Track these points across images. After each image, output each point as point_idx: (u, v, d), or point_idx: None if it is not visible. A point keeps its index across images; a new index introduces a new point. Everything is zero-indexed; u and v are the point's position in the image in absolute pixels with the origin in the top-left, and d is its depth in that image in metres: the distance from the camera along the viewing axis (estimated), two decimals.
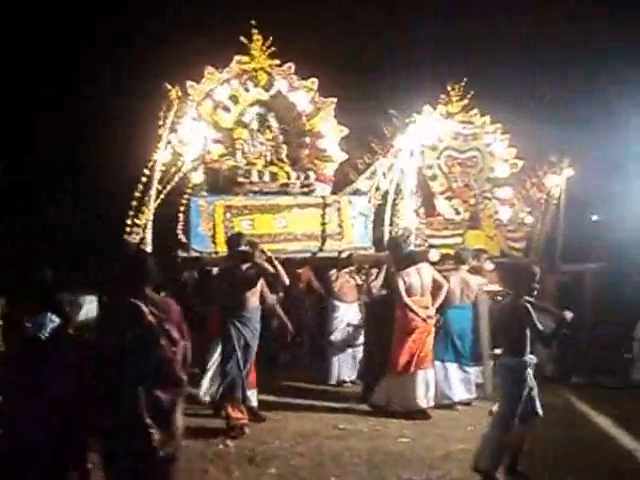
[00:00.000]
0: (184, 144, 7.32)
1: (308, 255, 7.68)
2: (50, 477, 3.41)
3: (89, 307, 5.84)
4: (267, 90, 8.16)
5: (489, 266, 8.05)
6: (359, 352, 8.25)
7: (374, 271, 7.51)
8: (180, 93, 7.23)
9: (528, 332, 4.79)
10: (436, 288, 6.90)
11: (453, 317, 7.25)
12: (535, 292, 4.87)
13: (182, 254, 7.28)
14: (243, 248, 6.21)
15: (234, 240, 6.36)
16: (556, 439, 5.91)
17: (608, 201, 11.55)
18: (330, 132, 8.31)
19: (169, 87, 7.20)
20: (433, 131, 8.18)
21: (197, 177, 7.53)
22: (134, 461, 3.44)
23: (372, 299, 7.45)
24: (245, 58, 8.05)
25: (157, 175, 6.91)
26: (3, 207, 10.52)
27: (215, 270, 7.17)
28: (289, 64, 8.24)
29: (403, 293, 6.72)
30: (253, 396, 6.51)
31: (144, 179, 6.91)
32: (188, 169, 7.35)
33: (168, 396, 3.51)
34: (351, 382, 8.29)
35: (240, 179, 7.73)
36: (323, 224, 7.77)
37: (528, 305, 4.80)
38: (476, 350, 7.41)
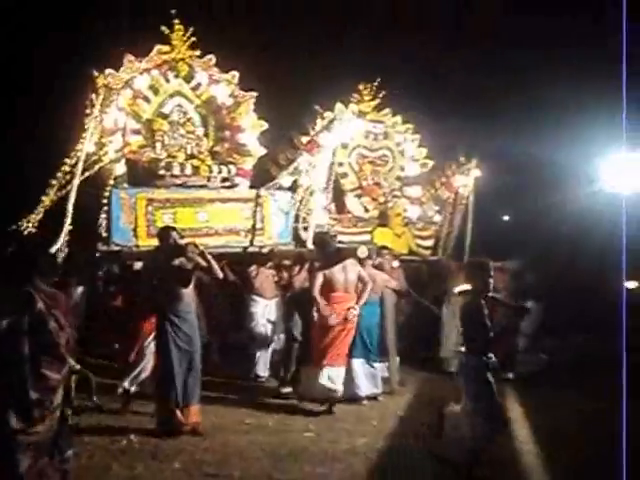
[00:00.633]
0: (108, 134, 7.08)
1: (229, 250, 7.67)
2: None
3: None
4: (188, 82, 8.07)
5: (394, 263, 8.31)
6: (275, 348, 8.34)
7: (297, 267, 7.59)
8: (106, 81, 6.95)
9: (485, 329, 4.84)
10: (361, 285, 7.02)
11: (361, 313, 7.34)
12: (491, 287, 4.93)
13: (102, 247, 7.07)
14: (176, 242, 6.13)
15: (166, 233, 6.25)
16: None
17: (518, 202, 12.11)
18: (250, 126, 8.33)
19: (96, 74, 6.93)
20: (355, 129, 8.37)
21: (119, 169, 7.31)
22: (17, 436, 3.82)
23: (293, 294, 7.53)
24: (166, 48, 7.90)
25: (81, 166, 6.63)
26: None
27: (138, 265, 7.05)
28: (210, 56, 8.18)
29: (316, 289, 6.72)
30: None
31: (66, 169, 6.60)
32: (111, 160, 7.12)
33: (54, 374, 3.92)
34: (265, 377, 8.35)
35: (161, 172, 7.60)
36: (245, 219, 7.78)
37: (481, 302, 4.87)
38: (382, 345, 7.54)
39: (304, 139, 8.43)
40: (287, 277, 7.86)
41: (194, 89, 8.13)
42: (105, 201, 7.04)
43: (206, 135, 8.23)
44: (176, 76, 7.98)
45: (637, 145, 10.23)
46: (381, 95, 9.28)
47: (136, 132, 7.73)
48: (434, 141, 9.57)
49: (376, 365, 7.45)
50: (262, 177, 8.30)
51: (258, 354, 8.25)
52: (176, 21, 7.86)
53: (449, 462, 5.05)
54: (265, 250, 7.78)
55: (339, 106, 8.85)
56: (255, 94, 8.34)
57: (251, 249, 7.74)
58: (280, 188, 8.01)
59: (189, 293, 6.12)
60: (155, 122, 7.86)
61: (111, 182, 7.12)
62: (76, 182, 6.64)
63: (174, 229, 6.34)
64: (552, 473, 5.34)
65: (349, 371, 7.14)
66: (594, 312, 9.89)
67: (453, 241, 9.47)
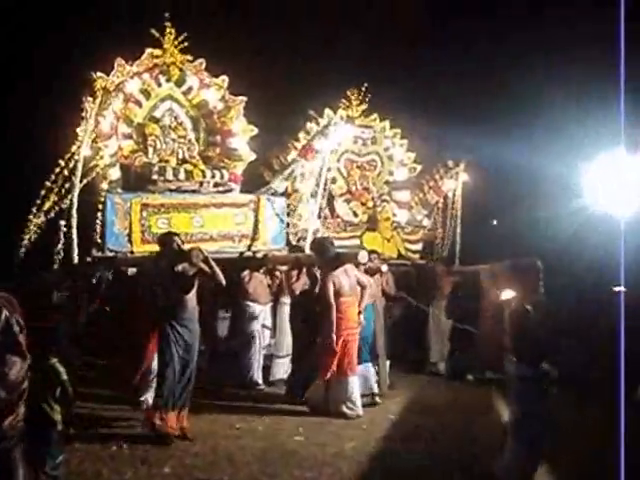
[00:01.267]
0: (104, 139, 6.96)
1: (224, 255, 7.60)
2: None
3: None
4: (179, 86, 8.00)
5: (383, 267, 8.35)
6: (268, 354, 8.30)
7: (294, 272, 7.55)
8: (104, 84, 6.83)
9: (538, 338, 4.46)
10: (360, 289, 7.04)
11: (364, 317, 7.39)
12: (540, 290, 4.68)
13: (97, 254, 6.94)
14: (179, 247, 6.06)
15: (168, 239, 6.17)
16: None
17: (506, 206, 12.14)
18: (240, 131, 8.30)
19: (95, 76, 6.81)
20: (349, 134, 8.40)
21: (114, 173, 7.20)
22: None
23: (295, 301, 7.49)
24: (157, 51, 7.81)
25: (79, 171, 6.51)
26: None
27: (131, 270, 6.95)
28: (200, 60, 8.12)
29: (331, 297, 6.73)
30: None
31: (62, 173, 6.47)
32: (106, 165, 7.01)
33: (15, 371, 3.92)
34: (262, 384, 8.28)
35: (154, 176, 7.49)
36: (238, 224, 7.74)
37: (529, 307, 4.59)
38: (373, 349, 7.53)
39: (298, 144, 8.41)
40: (282, 282, 7.82)
41: (185, 93, 8.07)
42: (99, 206, 6.90)
43: (197, 139, 8.17)
44: (167, 80, 7.90)
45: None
46: (369, 100, 9.31)
47: (128, 136, 7.63)
48: (423, 145, 9.65)
49: (370, 369, 7.41)
50: (256, 182, 8.25)
51: (254, 361, 8.17)
52: (167, 24, 7.79)
53: None
54: (259, 255, 7.74)
55: (328, 112, 8.89)
56: (245, 98, 8.30)
57: (245, 254, 7.70)
58: (274, 193, 7.99)
59: (192, 300, 6.04)
60: (147, 126, 7.77)
61: (105, 187, 6.98)
62: (77, 187, 6.51)
63: (176, 234, 6.27)
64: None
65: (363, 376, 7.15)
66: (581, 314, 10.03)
67: (442, 245, 9.55)
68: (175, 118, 8.06)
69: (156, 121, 7.87)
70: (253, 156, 8.40)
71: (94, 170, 6.86)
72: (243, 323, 8.19)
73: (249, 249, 7.60)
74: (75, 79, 7.08)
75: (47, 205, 6.52)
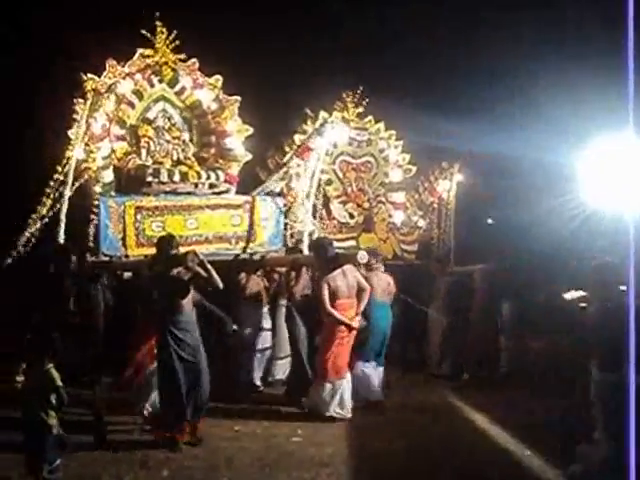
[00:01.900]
0: (96, 141, 6.83)
1: (220, 257, 7.47)
2: None
3: None
4: (172, 86, 7.87)
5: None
6: (266, 356, 8.19)
7: (293, 274, 7.43)
8: (95, 86, 6.71)
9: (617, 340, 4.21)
10: (359, 291, 6.94)
11: (377, 316, 7.36)
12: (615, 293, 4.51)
13: (91, 258, 6.81)
14: (174, 251, 5.94)
15: (166, 243, 6.06)
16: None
17: (502, 205, 12.04)
18: (235, 131, 8.18)
19: (85, 78, 6.68)
20: (344, 134, 8.29)
21: (107, 176, 7.07)
22: None
23: (295, 303, 7.38)
24: (149, 51, 7.69)
25: (72, 174, 6.39)
26: None
27: (126, 275, 6.82)
28: (193, 60, 7.99)
29: (326, 301, 6.63)
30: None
31: (56, 177, 6.35)
32: (99, 167, 6.88)
33: None
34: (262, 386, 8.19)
35: (149, 178, 7.37)
36: (234, 225, 7.63)
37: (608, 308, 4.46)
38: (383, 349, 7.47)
39: (293, 144, 8.32)
40: (280, 284, 7.71)
41: (178, 94, 7.95)
42: (93, 210, 6.77)
43: (192, 140, 8.05)
44: (160, 80, 7.77)
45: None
46: (364, 102, 9.23)
47: (121, 138, 7.50)
48: (417, 146, 9.63)
49: (381, 369, 7.41)
50: (252, 182, 8.13)
51: (251, 363, 8.06)
52: (158, 24, 7.66)
53: None
54: (256, 257, 7.63)
55: (323, 114, 8.84)
56: (239, 98, 8.18)
57: (242, 256, 7.58)
58: (270, 193, 7.88)
59: (188, 304, 5.92)
60: (140, 128, 7.65)
61: (98, 190, 6.86)
62: (67, 191, 6.39)
63: (173, 237, 6.16)
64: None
65: (363, 375, 7.12)
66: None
67: (437, 245, 9.53)
68: (169, 119, 7.94)
69: (149, 122, 7.75)
70: (249, 156, 8.29)
71: (86, 173, 6.71)
72: (240, 325, 8.10)
73: (244, 251, 7.47)
74: (66, 81, 6.91)
75: (41, 210, 6.37)
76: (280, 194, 7.94)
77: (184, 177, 7.61)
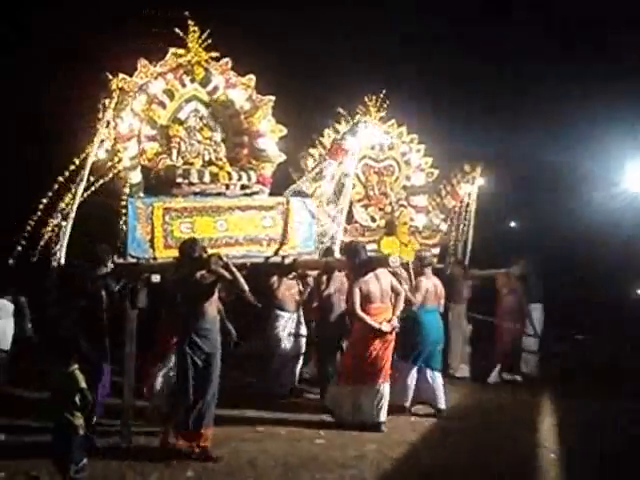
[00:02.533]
0: (122, 140, 6.72)
1: (251, 260, 7.31)
2: None
3: None
4: (204, 86, 7.71)
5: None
6: (299, 363, 8.05)
7: (324, 278, 7.23)
8: (121, 85, 6.60)
9: None
10: (394, 295, 6.74)
11: (427, 321, 7.20)
12: None
13: (118, 260, 6.71)
14: (198, 255, 5.79)
15: (189, 247, 5.94)
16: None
17: (524, 209, 12.49)
18: (269, 131, 7.98)
19: (110, 77, 6.58)
20: (378, 136, 8.04)
21: (135, 177, 6.95)
22: None
23: (326, 308, 7.19)
24: (181, 51, 7.55)
25: (87, 172, 6.28)
26: None
27: (155, 278, 6.69)
28: (226, 59, 7.83)
29: (357, 305, 6.53)
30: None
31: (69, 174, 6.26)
32: (126, 168, 6.77)
33: None
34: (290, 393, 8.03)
35: (179, 179, 7.23)
36: (266, 227, 7.43)
37: None
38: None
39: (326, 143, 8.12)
40: (313, 288, 7.52)
41: (211, 93, 7.77)
42: (123, 211, 6.67)
43: (224, 141, 7.88)
44: (192, 80, 7.59)
45: None
46: (386, 106, 9.05)
47: (151, 139, 7.36)
48: (441, 150, 9.63)
49: (436, 376, 7.38)
50: (285, 184, 7.94)
51: (279, 370, 7.90)
52: (190, 23, 7.53)
53: None
54: (288, 260, 7.42)
55: (328, 131, 8.79)
56: (273, 98, 7.99)
57: (273, 259, 7.39)
58: (302, 194, 7.67)
59: (212, 308, 5.78)
60: (171, 128, 7.51)
61: (127, 191, 6.74)
62: (81, 188, 6.28)
63: (196, 241, 6.03)
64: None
65: (429, 381, 7.13)
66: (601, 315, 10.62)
67: (455, 248, 9.59)
68: (200, 119, 7.77)
69: (181, 123, 7.59)
70: (282, 157, 8.10)
71: (112, 173, 6.61)
72: (271, 330, 7.97)
73: (276, 253, 7.26)
74: (99, 81, 6.81)
75: (63, 209, 6.30)
76: (310, 196, 7.71)
77: (215, 178, 7.43)
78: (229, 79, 7.84)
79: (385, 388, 6.72)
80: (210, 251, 6.41)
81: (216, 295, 5.85)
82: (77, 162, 6.33)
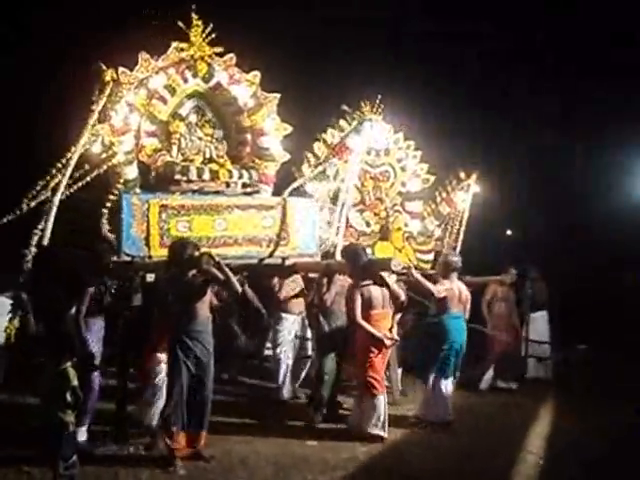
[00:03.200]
0: (117, 134, 6.54)
1: (249, 261, 7.09)
2: None
3: None
4: (206, 81, 7.51)
5: (393, 277, 7.84)
6: (305, 365, 7.86)
7: (324, 281, 6.99)
8: (115, 76, 6.42)
9: None
10: (394, 300, 6.48)
11: (451, 328, 6.94)
12: None
13: (112, 258, 6.50)
14: (190, 254, 5.58)
15: (180, 245, 5.74)
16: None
17: (520, 216, 12.47)
18: (273, 130, 7.77)
19: (103, 68, 6.40)
20: (383, 134, 7.80)
21: (131, 172, 6.76)
22: None
23: (324, 311, 6.95)
24: (183, 45, 7.37)
25: (72, 164, 6.10)
26: None
27: (150, 277, 6.50)
28: (230, 55, 7.64)
29: (358, 311, 6.26)
30: None
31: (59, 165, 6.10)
32: (120, 162, 6.58)
33: None
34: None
35: (177, 176, 7.03)
36: (266, 227, 7.21)
37: None
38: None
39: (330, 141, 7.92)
40: (314, 291, 7.29)
41: (213, 89, 7.59)
42: (109, 205, 6.47)
43: (226, 138, 7.68)
44: (194, 75, 7.40)
45: None
46: (382, 111, 8.82)
47: (151, 134, 7.17)
48: (437, 156, 9.56)
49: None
50: (287, 183, 7.71)
51: (280, 374, 7.68)
52: (194, 16, 7.35)
53: None
54: (289, 262, 7.20)
55: (331, 130, 8.54)
56: (278, 95, 7.78)
57: (274, 260, 7.16)
58: (304, 194, 7.45)
59: (204, 310, 5.57)
60: (171, 124, 7.32)
61: (120, 187, 6.55)
62: (65, 179, 6.10)
63: (188, 241, 5.83)
64: None
65: (442, 394, 6.85)
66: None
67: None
68: (202, 115, 7.60)
69: (181, 119, 7.41)
70: (287, 156, 7.89)
71: (104, 168, 6.42)
72: (275, 333, 7.77)
73: (271, 255, 7.03)
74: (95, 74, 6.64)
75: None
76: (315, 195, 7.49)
77: (214, 175, 7.23)
78: (233, 75, 7.64)
79: (384, 399, 6.44)
80: (209, 251, 6.19)
81: (208, 296, 5.63)
82: (69, 154, 6.14)
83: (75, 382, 5.07)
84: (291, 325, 7.83)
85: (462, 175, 9.17)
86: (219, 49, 7.49)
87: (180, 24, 7.30)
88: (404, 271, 6.39)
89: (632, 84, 11.46)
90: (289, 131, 7.82)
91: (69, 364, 5.13)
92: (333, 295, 6.92)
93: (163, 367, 5.94)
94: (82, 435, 5.78)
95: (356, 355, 6.47)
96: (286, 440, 6.34)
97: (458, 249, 8.97)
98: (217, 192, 7.21)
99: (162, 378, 5.98)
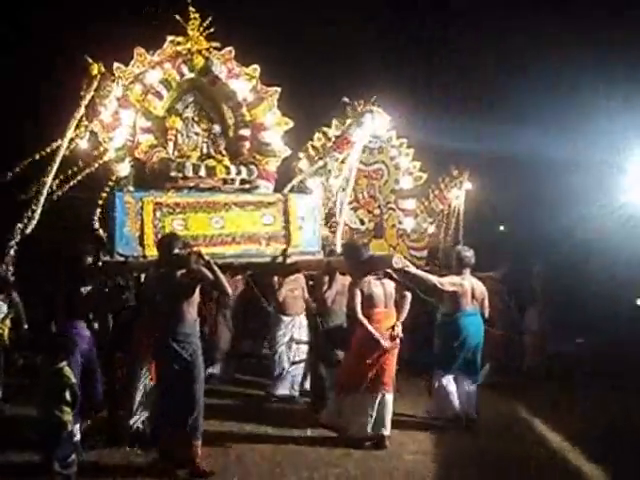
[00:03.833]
0: (107, 130, 6.35)
1: (248, 260, 6.87)
2: None
3: None
4: (204, 75, 7.29)
5: None
6: (299, 370, 7.61)
7: (325, 279, 6.74)
8: (104, 70, 6.22)
9: None
10: (399, 298, 6.21)
11: (464, 325, 6.67)
12: None
13: (105, 258, 6.33)
14: (177, 251, 5.36)
15: (167, 242, 5.52)
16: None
17: (513, 212, 12.48)
18: (273, 124, 7.53)
19: (90, 61, 6.21)
20: (384, 126, 7.54)
21: (124, 169, 6.57)
22: None
23: (326, 311, 6.71)
24: (180, 38, 7.17)
25: (58, 160, 5.93)
26: None
27: (143, 277, 6.31)
28: (229, 48, 7.42)
29: (358, 308, 6.00)
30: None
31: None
32: (112, 159, 6.40)
33: None
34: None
35: (173, 173, 6.83)
36: (266, 225, 6.97)
37: None
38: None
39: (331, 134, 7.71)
40: (315, 290, 7.05)
41: (212, 83, 7.37)
42: (101, 203, 6.29)
43: (224, 133, 7.46)
44: (191, 69, 7.19)
45: None
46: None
47: (147, 131, 6.97)
48: (427, 153, 9.67)
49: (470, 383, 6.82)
50: (288, 179, 7.47)
51: (281, 374, 7.46)
52: (191, 9, 7.14)
53: None
54: (290, 260, 6.95)
55: (335, 122, 8.56)
56: (279, 89, 7.54)
57: (272, 259, 6.92)
58: (305, 190, 7.20)
59: (192, 311, 5.34)
60: (167, 120, 7.11)
61: (111, 184, 6.37)
62: (53, 170, 5.94)
63: (176, 236, 5.60)
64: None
65: (466, 392, 6.70)
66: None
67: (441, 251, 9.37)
68: (199, 110, 7.39)
69: (178, 114, 7.21)
70: (288, 152, 7.65)
71: (94, 165, 6.23)
72: (272, 335, 7.55)
73: (283, 254, 6.77)
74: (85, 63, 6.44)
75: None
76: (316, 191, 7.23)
77: (211, 172, 7.01)
78: (232, 69, 7.41)
79: (389, 399, 6.18)
80: (203, 250, 5.96)
81: (196, 296, 5.39)
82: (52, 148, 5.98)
83: (73, 381, 5.07)
84: (287, 326, 7.60)
85: (455, 172, 9.23)
86: (217, 43, 7.28)
87: (177, 17, 7.10)
88: (406, 268, 6.05)
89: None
90: (290, 125, 7.58)
91: (64, 363, 5.13)
92: (334, 294, 6.67)
93: (148, 370, 5.75)
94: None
95: (355, 353, 6.20)
96: (282, 436, 6.32)
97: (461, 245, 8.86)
98: (214, 189, 6.99)
99: (147, 382, 5.79)
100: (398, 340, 6.16)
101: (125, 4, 9.53)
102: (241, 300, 8.24)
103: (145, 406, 5.86)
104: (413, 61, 12.11)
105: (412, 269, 6.36)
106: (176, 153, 7.09)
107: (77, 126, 6.11)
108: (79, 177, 6.13)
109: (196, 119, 7.34)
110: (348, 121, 7.74)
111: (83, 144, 6.17)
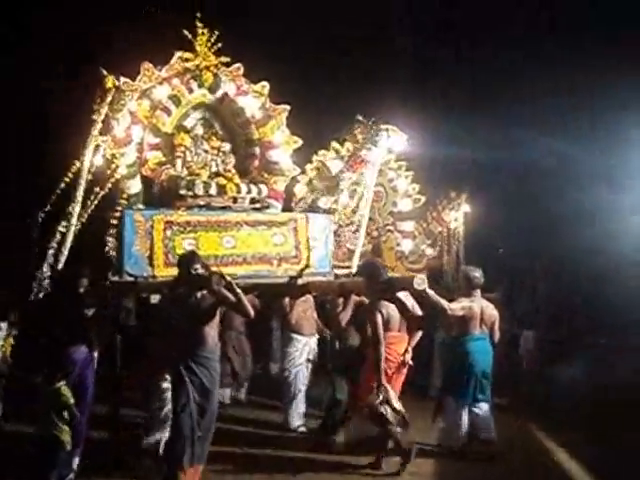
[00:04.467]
0: (119, 145, 6.15)
1: (259, 281, 6.67)
2: None
3: None
4: (213, 92, 7.14)
5: None
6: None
7: (339, 301, 6.56)
8: (117, 83, 6.04)
9: None
10: (412, 321, 6.05)
11: (473, 350, 6.47)
12: None
13: (113, 278, 6.10)
14: (198, 271, 5.15)
15: (187, 260, 5.31)
16: None
17: (511, 234, 12.56)
18: (282, 143, 7.39)
19: (105, 74, 6.02)
20: (401, 145, 7.42)
21: (134, 186, 6.37)
22: None
23: (338, 333, 6.53)
24: (188, 54, 7.02)
25: (84, 181, 5.71)
26: None
27: (154, 298, 6.08)
28: (238, 65, 7.29)
29: (380, 331, 5.83)
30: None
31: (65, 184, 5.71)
32: (123, 176, 6.19)
33: None
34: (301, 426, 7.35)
35: (182, 191, 6.63)
36: (277, 245, 6.80)
37: None
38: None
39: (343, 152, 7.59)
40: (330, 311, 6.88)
41: (220, 100, 7.21)
42: (114, 222, 6.07)
43: (233, 151, 7.29)
44: (200, 86, 7.03)
45: None
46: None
47: (155, 147, 6.79)
48: (425, 175, 9.67)
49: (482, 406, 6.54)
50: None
51: (292, 400, 7.23)
52: (200, 25, 7.00)
53: None
54: (301, 281, 6.77)
55: (335, 145, 8.48)
56: (288, 107, 7.41)
57: (285, 280, 6.73)
58: (317, 209, 7.05)
59: (212, 334, 5.13)
60: (176, 136, 6.93)
61: (123, 202, 6.15)
62: (78, 200, 5.74)
63: (197, 255, 5.40)
64: None
65: (480, 416, 6.47)
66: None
67: (446, 274, 9.44)
68: (208, 127, 7.22)
69: (186, 131, 7.03)
70: (297, 170, 7.51)
71: (108, 182, 6.02)
72: (285, 356, 7.34)
73: (299, 275, 6.58)
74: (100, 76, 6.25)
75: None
76: (328, 211, 7.09)
77: (221, 190, 6.83)
78: (240, 86, 7.28)
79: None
80: (220, 271, 5.76)
81: (217, 319, 5.19)
82: (74, 168, 5.77)
83: (71, 401, 5.09)
84: (302, 347, 7.40)
85: (452, 194, 9.31)
86: (226, 59, 7.15)
87: (185, 33, 6.95)
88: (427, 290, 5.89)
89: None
90: (299, 144, 7.44)
91: (63, 383, 5.14)
92: (349, 315, 6.50)
93: (166, 394, 5.51)
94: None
95: (367, 375, 6.03)
96: (282, 455, 6.33)
97: (452, 268, 9.08)
98: (224, 207, 6.81)
99: (163, 405, 5.55)
100: (407, 367, 6.04)
101: (125, 4, 9.37)
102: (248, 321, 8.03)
103: (161, 426, 5.62)
104: (421, 80, 12.06)
105: (430, 291, 6.21)
106: (185, 171, 6.90)
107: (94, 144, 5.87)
108: (97, 196, 5.88)
109: (205, 136, 7.17)
110: (360, 138, 7.61)
111: (97, 161, 5.93)
